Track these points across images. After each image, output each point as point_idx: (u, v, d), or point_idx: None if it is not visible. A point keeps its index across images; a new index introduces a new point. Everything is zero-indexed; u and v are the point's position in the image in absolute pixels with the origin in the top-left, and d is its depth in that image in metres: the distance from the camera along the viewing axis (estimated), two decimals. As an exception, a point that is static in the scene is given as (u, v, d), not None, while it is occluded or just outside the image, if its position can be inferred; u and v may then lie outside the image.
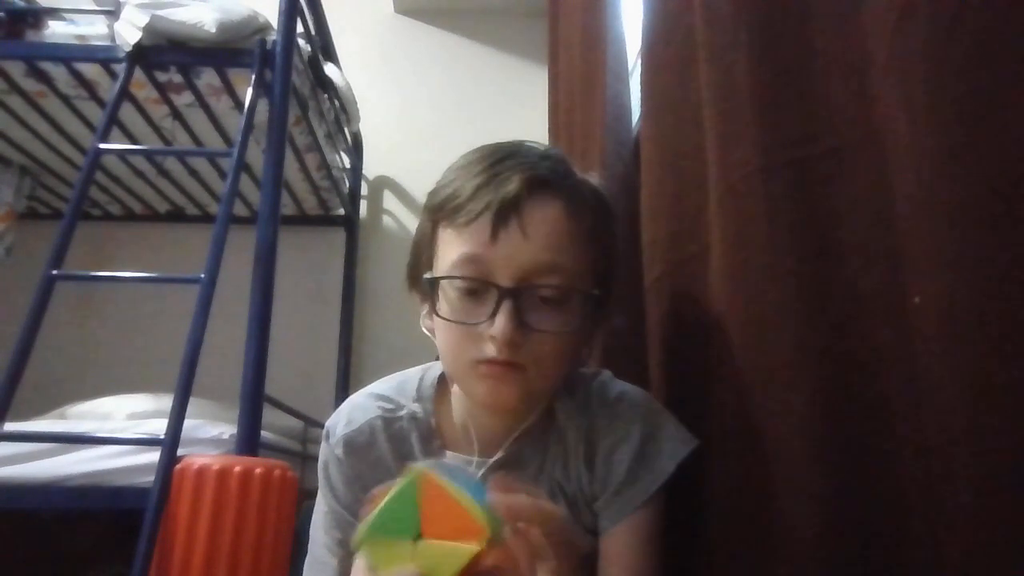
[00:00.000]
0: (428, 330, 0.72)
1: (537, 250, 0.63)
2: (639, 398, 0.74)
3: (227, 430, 1.33)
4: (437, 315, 0.66)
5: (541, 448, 0.73)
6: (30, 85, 1.63)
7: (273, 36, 1.52)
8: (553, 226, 0.65)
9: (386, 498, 0.51)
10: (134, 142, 1.83)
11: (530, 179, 0.65)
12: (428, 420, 0.75)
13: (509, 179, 0.64)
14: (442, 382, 0.77)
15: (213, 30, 1.48)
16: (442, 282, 0.66)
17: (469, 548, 0.48)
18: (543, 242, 0.64)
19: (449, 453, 0.74)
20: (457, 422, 0.74)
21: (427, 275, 0.68)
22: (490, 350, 0.63)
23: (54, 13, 1.61)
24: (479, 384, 0.65)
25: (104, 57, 1.54)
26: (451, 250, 0.66)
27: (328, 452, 0.76)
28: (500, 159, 0.67)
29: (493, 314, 0.63)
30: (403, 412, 0.75)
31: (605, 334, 0.82)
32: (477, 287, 0.64)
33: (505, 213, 0.63)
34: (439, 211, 0.68)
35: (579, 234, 0.66)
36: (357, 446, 0.74)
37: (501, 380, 0.64)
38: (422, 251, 0.71)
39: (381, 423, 0.75)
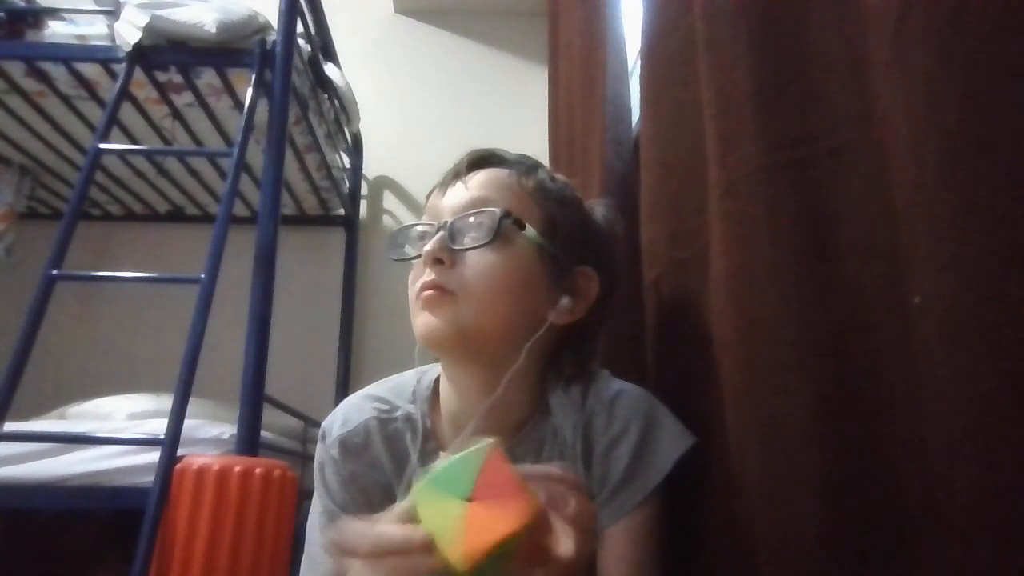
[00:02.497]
0: None
1: (474, 192, 0.71)
2: (637, 396, 0.74)
3: (227, 430, 1.33)
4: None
5: (535, 447, 0.73)
6: (30, 85, 1.63)
7: (273, 36, 1.52)
8: (493, 178, 0.73)
9: (452, 458, 0.52)
10: (134, 142, 1.83)
11: (481, 151, 0.75)
12: (423, 421, 0.75)
13: (466, 155, 0.75)
14: (438, 384, 0.77)
15: (213, 30, 1.47)
16: (408, 244, 0.74)
17: (507, 524, 0.47)
18: (481, 187, 0.72)
19: (443, 454, 0.74)
20: (446, 421, 0.74)
21: (392, 234, 0.75)
22: (425, 274, 0.68)
23: (54, 13, 1.61)
24: (417, 318, 0.69)
25: (104, 57, 1.54)
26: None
27: (324, 452, 0.76)
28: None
29: None
30: (398, 413, 0.76)
31: (606, 333, 0.82)
32: (426, 231, 0.72)
33: (456, 175, 0.74)
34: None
35: (520, 187, 0.72)
36: (352, 447, 0.75)
37: (432, 306, 0.67)
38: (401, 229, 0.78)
39: (376, 424, 0.75)
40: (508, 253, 0.68)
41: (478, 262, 0.67)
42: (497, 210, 0.68)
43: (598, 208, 0.79)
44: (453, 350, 0.70)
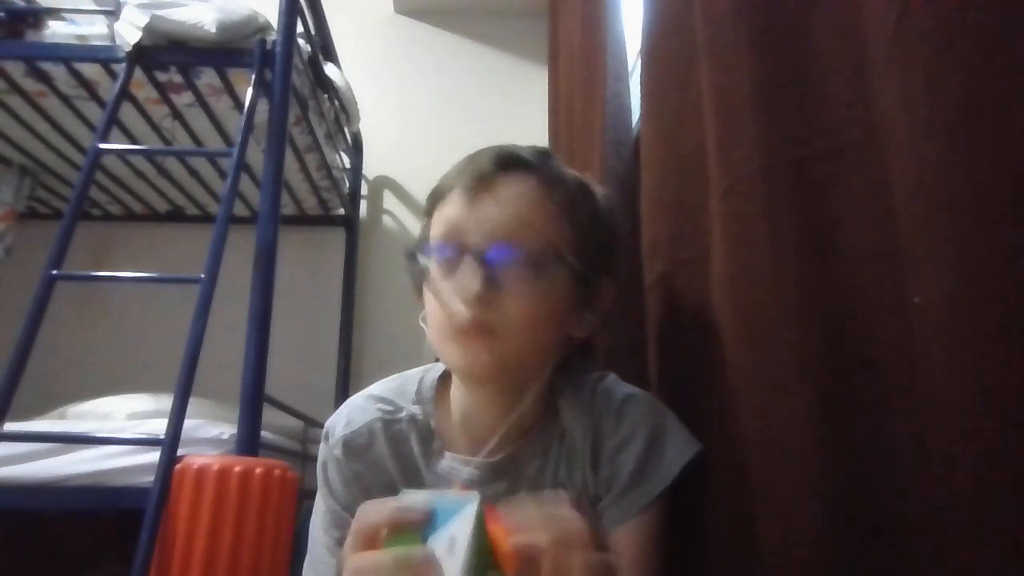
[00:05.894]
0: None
1: (508, 214, 0.67)
2: (645, 401, 0.75)
3: (227, 430, 1.33)
4: (424, 287, 0.69)
5: (542, 448, 0.73)
6: (30, 85, 1.63)
7: (273, 36, 1.52)
8: (525, 195, 0.68)
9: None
10: (134, 142, 1.83)
11: (503, 155, 0.69)
12: (427, 421, 0.75)
13: (484, 158, 0.69)
14: (442, 383, 0.77)
15: (213, 30, 1.48)
16: (429, 261, 0.69)
17: None
18: (514, 207, 0.67)
19: (448, 454, 0.74)
20: (456, 422, 0.74)
21: (410, 248, 0.71)
22: (462, 310, 0.65)
23: (54, 13, 1.61)
24: (454, 349, 0.67)
25: (104, 57, 1.54)
26: (436, 228, 0.70)
27: (327, 452, 0.76)
28: (483, 149, 0.72)
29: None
30: (403, 414, 0.76)
31: (606, 334, 0.82)
32: (455, 258, 0.67)
33: (479, 185, 0.68)
34: (430, 202, 0.73)
35: (553, 206, 0.68)
36: (356, 447, 0.75)
37: (472, 340, 0.65)
38: (419, 242, 0.74)
39: (380, 425, 0.75)
40: (547, 285, 0.66)
41: (519, 298, 0.65)
42: (542, 247, 0.66)
43: (605, 198, 0.77)
44: (490, 380, 0.70)
